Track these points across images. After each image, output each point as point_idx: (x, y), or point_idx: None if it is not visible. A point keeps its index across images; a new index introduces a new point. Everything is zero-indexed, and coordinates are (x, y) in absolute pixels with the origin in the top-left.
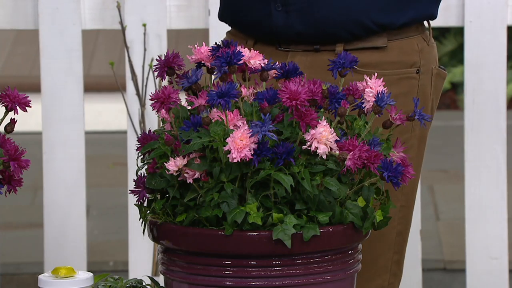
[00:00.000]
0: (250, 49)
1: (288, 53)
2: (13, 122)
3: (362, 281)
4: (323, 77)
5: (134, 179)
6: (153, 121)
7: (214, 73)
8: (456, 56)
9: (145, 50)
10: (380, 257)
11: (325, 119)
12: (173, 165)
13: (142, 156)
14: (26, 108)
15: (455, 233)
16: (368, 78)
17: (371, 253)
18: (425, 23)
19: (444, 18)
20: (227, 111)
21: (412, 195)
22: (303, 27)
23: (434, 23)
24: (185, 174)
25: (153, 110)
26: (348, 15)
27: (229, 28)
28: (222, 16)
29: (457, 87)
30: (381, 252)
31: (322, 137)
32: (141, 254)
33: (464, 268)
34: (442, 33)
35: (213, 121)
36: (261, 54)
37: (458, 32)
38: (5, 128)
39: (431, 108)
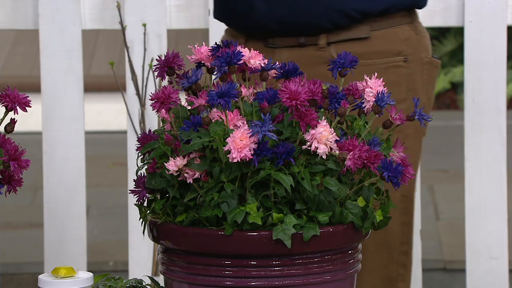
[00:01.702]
0: (245, 48)
1: (275, 50)
2: (13, 122)
3: (367, 274)
4: (309, 73)
5: (134, 179)
6: (153, 121)
7: (214, 73)
8: (456, 56)
9: (145, 50)
10: (383, 248)
11: (325, 119)
12: (173, 165)
13: (142, 156)
14: (26, 108)
15: (455, 233)
16: (368, 78)
17: (373, 245)
18: (416, 13)
19: (444, 18)
20: (227, 111)
21: (412, 185)
22: (285, 15)
23: (434, 23)
24: (185, 174)
25: (153, 110)
26: (328, 3)
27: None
28: (215, 13)
29: (457, 87)
30: (384, 243)
31: (322, 137)
32: (141, 254)
33: (464, 268)
34: (442, 33)
35: (213, 121)
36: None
37: (458, 32)
38: (5, 128)
39: (428, 97)
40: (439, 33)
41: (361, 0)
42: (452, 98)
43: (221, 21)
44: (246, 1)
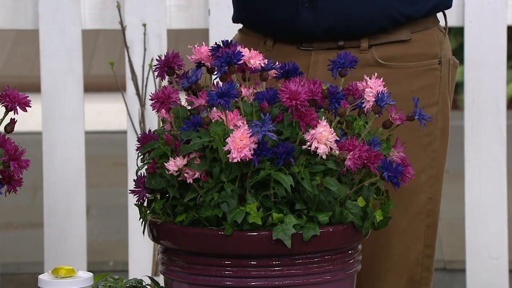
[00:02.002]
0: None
1: (311, 52)
2: (13, 122)
3: (394, 275)
4: (349, 75)
5: (134, 179)
6: (153, 121)
7: (214, 73)
8: (456, 56)
9: (145, 50)
10: (410, 250)
11: (325, 119)
12: (173, 165)
13: (142, 156)
14: (26, 108)
15: (455, 233)
16: (368, 78)
17: (401, 246)
18: (439, 15)
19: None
20: (227, 111)
21: (439, 187)
22: (331, 23)
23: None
24: (185, 174)
25: (153, 110)
26: (375, 8)
27: (234, 27)
28: (239, 17)
29: (457, 87)
30: (411, 245)
31: (322, 137)
32: (141, 254)
33: (464, 268)
34: None
35: (213, 121)
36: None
37: (458, 32)
38: (5, 128)
39: (451, 99)
40: None
41: (407, 4)
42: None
43: (245, 24)
44: (288, 7)
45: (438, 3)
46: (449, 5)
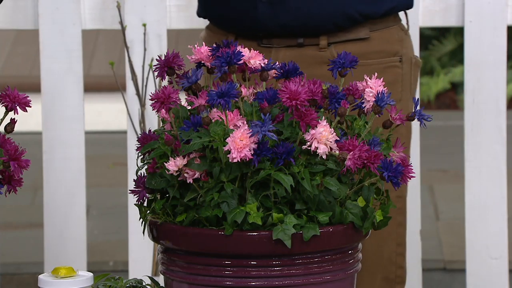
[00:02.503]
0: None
1: (271, 49)
2: (13, 122)
3: (368, 274)
4: (309, 73)
5: (134, 179)
6: (153, 121)
7: (214, 73)
8: (456, 56)
9: (145, 50)
10: (382, 248)
11: (325, 119)
12: (173, 165)
13: (142, 156)
14: (26, 108)
15: (455, 233)
16: (368, 78)
17: (373, 245)
18: (401, 14)
19: (444, 18)
20: (227, 111)
21: (405, 186)
22: (288, 19)
23: (434, 23)
24: (185, 174)
25: (153, 110)
26: (333, 6)
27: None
28: (202, 12)
29: (457, 87)
30: (383, 243)
31: (322, 137)
32: (141, 254)
33: (464, 268)
34: (442, 33)
35: (213, 121)
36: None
37: (458, 32)
38: (5, 128)
39: (412, 96)
40: (439, 33)
41: (365, 3)
42: (452, 98)
43: (207, 18)
44: (247, 2)
45: (397, 5)
46: (409, 6)
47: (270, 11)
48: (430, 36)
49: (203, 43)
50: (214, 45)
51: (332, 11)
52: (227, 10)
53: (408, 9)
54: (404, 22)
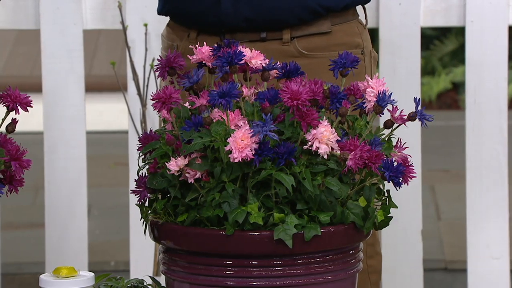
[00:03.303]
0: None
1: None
2: (14, 122)
3: None
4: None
5: (135, 179)
6: (154, 121)
7: (216, 73)
8: (458, 56)
9: (146, 50)
10: None
11: (326, 119)
12: (174, 165)
13: (143, 156)
14: (27, 108)
15: (456, 233)
16: (369, 78)
17: None
18: (360, 10)
19: (445, 18)
20: (229, 111)
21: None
22: (252, 13)
23: (435, 23)
24: (186, 174)
25: (154, 110)
26: (294, 0)
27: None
28: (163, 9)
29: (458, 87)
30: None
31: (323, 137)
32: (143, 254)
33: (465, 268)
34: (443, 33)
35: (214, 121)
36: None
37: (459, 32)
38: (7, 128)
39: None
40: (440, 33)
41: None
42: (453, 98)
43: (168, 15)
44: None
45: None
46: (367, 0)
47: (232, 6)
48: (432, 36)
49: (163, 40)
50: (215, 45)
51: (295, 4)
52: (189, 6)
53: (365, 3)
54: (362, 17)
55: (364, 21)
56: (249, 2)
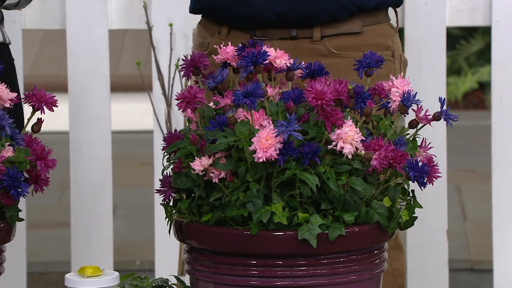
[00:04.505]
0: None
1: (265, 42)
2: (40, 121)
3: None
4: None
5: (160, 179)
6: (179, 121)
7: (240, 73)
8: (484, 56)
9: (171, 50)
10: None
11: (350, 119)
12: (198, 164)
13: (168, 156)
14: (53, 107)
15: (482, 233)
16: (394, 78)
17: None
18: (392, 15)
19: (471, 18)
20: (253, 111)
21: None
22: (283, 7)
23: (461, 23)
24: (211, 174)
25: (179, 109)
26: None
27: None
28: (195, 6)
29: (485, 87)
30: None
31: (348, 136)
32: (167, 254)
33: (491, 269)
34: (469, 32)
35: (238, 120)
36: (236, 43)
37: (486, 32)
38: (32, 127)
39: None
40: (467, 33)
41: None
42: (479, 97)
43: (200, 13)
44: None
45: None
46: (399, 2)
47: (264, 1)
48: (458, 35)
49: (194, 38)
50: (240, 45)
51: (327, 0)
52: (221, 3)
53: (398, 5)
54: (394, 21)
55: (395, 25)
56: None
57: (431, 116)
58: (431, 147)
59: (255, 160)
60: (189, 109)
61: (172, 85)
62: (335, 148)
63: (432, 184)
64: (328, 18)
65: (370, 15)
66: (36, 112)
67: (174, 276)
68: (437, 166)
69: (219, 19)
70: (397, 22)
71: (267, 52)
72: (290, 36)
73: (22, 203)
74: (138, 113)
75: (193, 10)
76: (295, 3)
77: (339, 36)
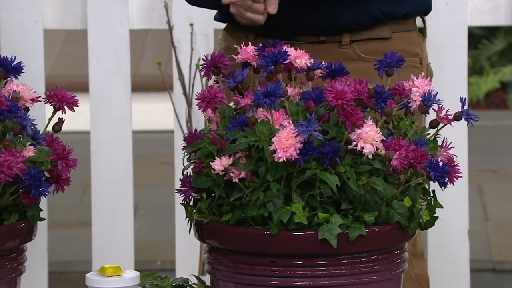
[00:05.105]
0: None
1: (292, 45)
2: (61, 121)
3: None
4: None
5: (180, 179)
6: (200, 121)
7: (260, 73)
8: (506, 55)
9: (192, 49)
10: None
11: (371, 119)
12: (219, 164)
13: (188, 156)
14: (74, 107)
15: (504, 233)
16: (414, 78)
17: None
18: (420, 23)
19: (493, 17)
20: (273, 111)
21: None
22: (311, 20)
23: (483, 22)
24: (231, 174)
25: (199, 109)
26: (356, 5)
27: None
28: (222, 12)
29: (507, 87)
30: None
31: (368, 136)
32: (188, 253)
33: None
34: (491, 32)
35: (259, 120)
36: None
37: (508, 31)
38: (53, 127)
39: None
40: (489, 32)
41: (388, 3)
42: (501, 97)
43: (226, 21)
44: None
45: (416, 8)
46: (428, 10)
47: (292, 13)
48: (480, 35)
49: (220, 43)
50: (260, 45)
51: (357, 11)
52: None
53: (426, 14)
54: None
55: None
56: (309, 9)
57: (452, 116)
58: (452, 147)
59: (275, 160)
60: (209, 109)
61: (192, 85)
62: (355, 148)
63: (453, 184)
64: (356, 26)
65: (399, 22)
66: (57, 112)
67: (195, 276)
68: (458, 166)
69: (246, 26)
70: (425, 31)
71: (287, 52)
72: (318, 40)
73: (43, 203)
74: (159, 113)
75: (219, 16)
76: (324, 15)
77: (368, 41)
